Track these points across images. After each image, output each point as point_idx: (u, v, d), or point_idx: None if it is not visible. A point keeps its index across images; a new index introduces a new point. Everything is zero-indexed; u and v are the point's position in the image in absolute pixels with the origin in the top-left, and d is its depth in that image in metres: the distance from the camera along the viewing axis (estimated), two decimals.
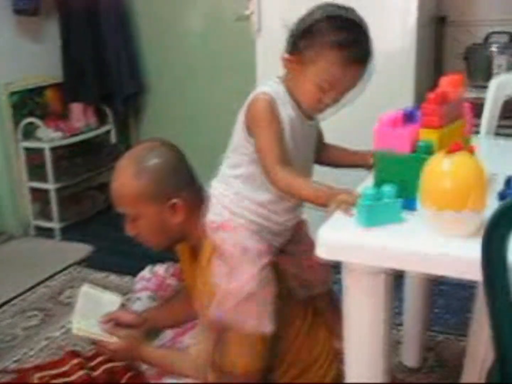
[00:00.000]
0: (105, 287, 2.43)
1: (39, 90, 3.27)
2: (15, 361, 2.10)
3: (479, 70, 2.62)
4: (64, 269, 2.80)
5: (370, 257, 1.03)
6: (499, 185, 1.16)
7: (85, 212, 3.40)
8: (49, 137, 3.12)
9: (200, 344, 1.51)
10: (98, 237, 3.12)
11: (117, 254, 2.88)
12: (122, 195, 1.51)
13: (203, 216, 1.45)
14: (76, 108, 3.32)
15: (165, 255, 1.66)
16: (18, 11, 3.06)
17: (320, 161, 1.50)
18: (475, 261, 0.86)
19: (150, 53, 3.53)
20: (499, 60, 2.56)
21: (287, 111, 1.31)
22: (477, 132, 1.76)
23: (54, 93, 3.35)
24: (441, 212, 0.98)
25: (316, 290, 1.60)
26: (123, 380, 1.72)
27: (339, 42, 1.24)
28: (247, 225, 1.41)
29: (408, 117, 1.22)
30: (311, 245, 1.53)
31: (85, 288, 1.76)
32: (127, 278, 2.59)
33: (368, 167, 1.36)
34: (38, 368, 1.87)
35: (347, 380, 1.19)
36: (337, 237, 1.06)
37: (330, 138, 1.53)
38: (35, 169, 3.21)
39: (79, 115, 3.32)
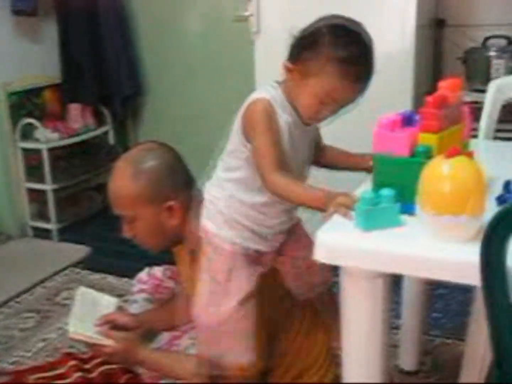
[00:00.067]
0: (102, 288, 2.45)
1: (37, 91, 3.27)
2: (11, 363, 2.10)
3: (477, 73, 2.63)
4: (61, 270, 2.80)
5: (369, 261, 1.03)
6: (497, 189, 1.15)
7: (82, 213, 3.40)
8: (47, 137, 3.11)
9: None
10: (95, 238, 3.12)
11: (114, 256, 2.87)
12: (119, 196, 1.50)
13: (199, 219, 1.45)
14: (74, 109, 3.32)
15: (163, 256, 1.66)
16: (16, 12, 3.06)
17: (318, 163, 1.50)
18: (474, 266, 0.86)
19: (149, 54, 3.52)
20: (497, 64, 2.57)
21: (284, 116, 1.30)
22: (475, 136, 1.76)
23: (52, 94, 3.35)
24: (439, 217, 0.98)
25: (317, 289, 1.60)
26: (120, 382, 1.72)
27: (343, 60, 1.22)
28: (239, 234, 1.40)
29: (407, 121, 1.21)
30: (310, 244, 1.53)
31: (82, 290, 1.76)
32: (124, 280, 2.59)
33: (367, 169, 1.36)
34: (35, 370, 1.85)
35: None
36: (335, 241, 1.06)
37: (329, 140, 1.52)
38: (33, 169, 3.21)
39: (77, 116, 3.32)
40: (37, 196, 3.25)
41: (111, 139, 3.55)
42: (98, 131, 3.45)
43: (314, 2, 2.34)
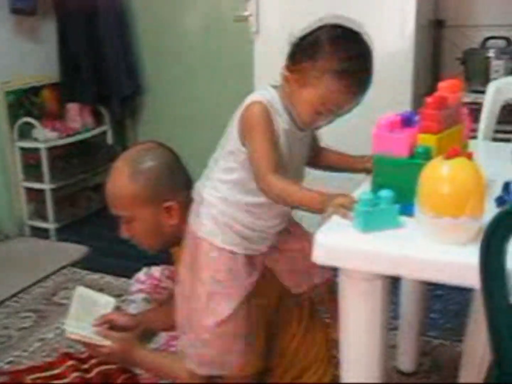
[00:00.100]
0: (100, 288, 2.44)
1: (35, 90, 3.26)
2: (8, 363, 2.09)
3: (476, 74, 2.62)
4: (59, 269, 2.79)
5: (367, 263, 1.03)
6: (497, 191, 1.15)
7: (80, 213, 3.39)
8: (45, 137, 3.10)
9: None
10: (93, 238, 3.11)
11: (112, 255, 2.87)
12: (117, 197, 1.50)
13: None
14: (73, 109, 3.32)
15: (161, 256, 1.65)
16: (15, 11, 3.05)
17: (316, 165, 1.49)
18: (473, 267, 0.85)
19: (148, 54, 3.52)
20: (497, 65, 2.57)
21: (281, 119, 1.30)
22: (475, 137, 1.76)
23: (51, 93, 3.34)
24: (439, 218, 0.98)
25: (317, 289, 1.60)
26: (118, 382, 1.71)
27: (341, 73, 1.22)
28: (232, 237, 1.38)
29: (406, 121, 1.21)
30: (302, 233, 1.53)
31: (80, 290, 1.75)
32: (122, 280, 2.58)
33: (366, 171, 1.35)
34: (32, 369, 1.85)
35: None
36: (334, 242, 1.06)
37: (327, 141, 1.52)
38: (31, 169, 3.20)
39: (76, 116, 3.31)
40: (35, 196, 3.24)
41: (110, 139, 3.55)
42: (97, 131, 3.45)
43: (314, 2, 2.34)
